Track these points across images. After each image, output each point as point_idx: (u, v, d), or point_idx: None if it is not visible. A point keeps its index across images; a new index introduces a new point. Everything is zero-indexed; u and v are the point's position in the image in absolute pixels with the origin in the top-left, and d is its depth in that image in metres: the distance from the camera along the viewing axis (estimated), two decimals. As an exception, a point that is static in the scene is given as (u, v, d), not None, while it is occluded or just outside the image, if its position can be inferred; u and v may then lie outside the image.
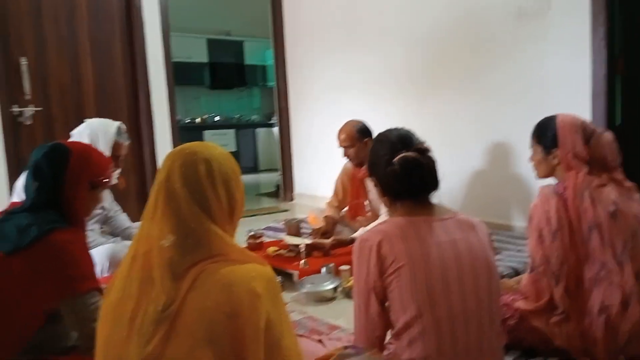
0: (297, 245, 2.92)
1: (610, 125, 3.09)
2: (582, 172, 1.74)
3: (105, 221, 2.82)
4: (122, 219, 2.88)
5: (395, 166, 1.36)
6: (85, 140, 2.50)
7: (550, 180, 1.87)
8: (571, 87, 3.21)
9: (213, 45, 9.07)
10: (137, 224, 2.86)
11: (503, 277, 2.43)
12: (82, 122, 2.67)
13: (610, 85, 3.12)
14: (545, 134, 1.85)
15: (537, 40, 3.37)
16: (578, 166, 1.75)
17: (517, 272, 2.62)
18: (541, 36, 3.34)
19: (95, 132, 2.57)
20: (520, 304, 1.81)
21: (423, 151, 1.40)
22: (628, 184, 1.80)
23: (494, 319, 1.35)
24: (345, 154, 3.20)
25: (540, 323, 1.75)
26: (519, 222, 3.55)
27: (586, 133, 1.77)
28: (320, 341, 1.77)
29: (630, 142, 2.84)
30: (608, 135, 1.80)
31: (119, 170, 2.63)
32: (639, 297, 1.64)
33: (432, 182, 1.40)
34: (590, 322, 1.68)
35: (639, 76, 3.26)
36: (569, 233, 1.70)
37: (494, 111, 3.66)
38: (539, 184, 1.86)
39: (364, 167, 3.13)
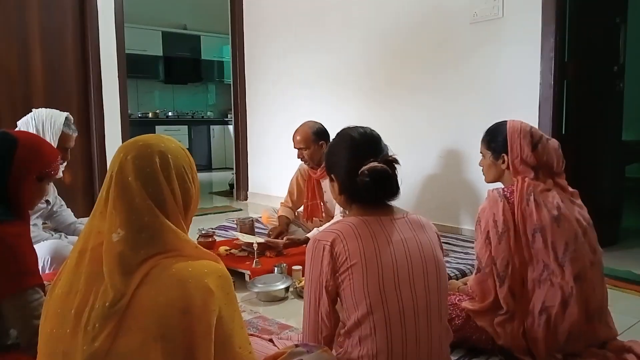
0: (250, 244, 2.89)
1: (557, 132, 3.21)
2: (528, 177, 1.81)
3: (49, 216, 2.72)
4: (67, 214, 2.79)
5: (365, 177, 1.38)
6: (31, 130, 2.42)
7: (499, 184, 1.93)
8: (521, 94, 3.32)
9: (168, 38, 8.91)
10: (83, 219, 2.78)
11: (450, 278, 2.49)
12: (30, 112, 2.58)
13: (559, 94, 3.23)
14: (495, 139, 1.91)
15: (490, 45, 3.47)
16: (525, 171, 1.82)
17: (463, 274, 2.69)
18: (494, 42, 3.45)
19: (42, 122, 2.48)
20: (467, 304, 1.87)
21: (390, 162, 1.42)
22: (571, 189, 1.88)
23: (442, 315, 1.39)
24: (300, 156, 3.20)
25: (485, 322, 1.81)
26: (467, 226, 3.64)
27: (534, 139, 1.84)
28: (271, 340, 1.77)
29: (574, 151, 2.96)
30: (554, 142, 1.88)
31: (65, 163, 2.55)
32: (577, 298, 1.71)
33: (395, 191, 1.43)
34: (532, 322, 1.75)
35: (587, 82, 3.38)
36: (515, 235, 1.77)
37: (449, 114, 3.75)
38: (488, 188, 1.92)
39: (320, 169, 3.14)
